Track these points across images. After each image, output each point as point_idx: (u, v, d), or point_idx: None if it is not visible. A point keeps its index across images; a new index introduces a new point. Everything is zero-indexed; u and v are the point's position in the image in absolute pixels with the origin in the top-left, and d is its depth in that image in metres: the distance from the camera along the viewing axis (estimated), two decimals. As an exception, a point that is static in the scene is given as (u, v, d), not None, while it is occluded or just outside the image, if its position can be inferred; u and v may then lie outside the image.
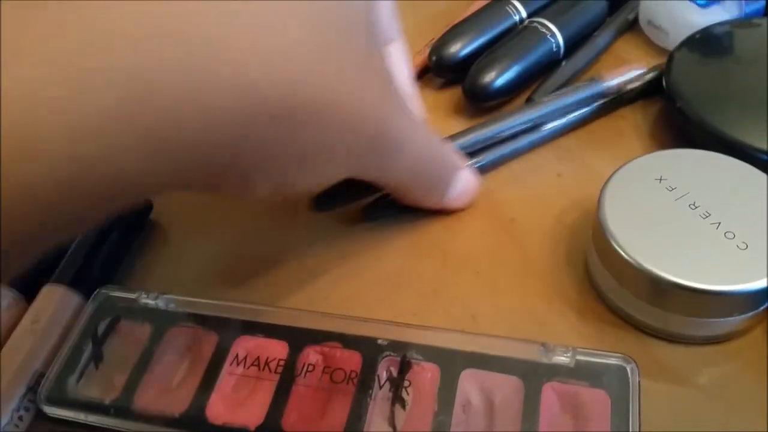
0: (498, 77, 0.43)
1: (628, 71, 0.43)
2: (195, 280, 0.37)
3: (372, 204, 0.38)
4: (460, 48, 0.46)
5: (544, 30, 0.45)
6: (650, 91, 0.43)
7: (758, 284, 0.29)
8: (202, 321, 0.33)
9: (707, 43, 0.42)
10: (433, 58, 0.46)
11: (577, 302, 0.34)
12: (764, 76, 0.39)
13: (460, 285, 0.35)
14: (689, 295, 0.29)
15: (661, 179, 0.33)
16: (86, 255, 0.36)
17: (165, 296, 0.34)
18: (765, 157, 0.35)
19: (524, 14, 0.48)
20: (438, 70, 0.47)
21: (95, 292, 0.34)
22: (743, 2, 0.44)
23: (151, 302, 0.34)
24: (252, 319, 0.32)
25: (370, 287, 0.36)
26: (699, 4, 0.44)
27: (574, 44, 0.46)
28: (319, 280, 0.36)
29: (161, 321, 0.33)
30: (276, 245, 0.38)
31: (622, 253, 0.30)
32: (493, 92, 0.43)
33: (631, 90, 0.43)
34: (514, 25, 0.47)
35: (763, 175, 0.33)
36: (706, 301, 0.29)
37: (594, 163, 0.41)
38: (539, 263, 0.36)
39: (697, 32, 0.43)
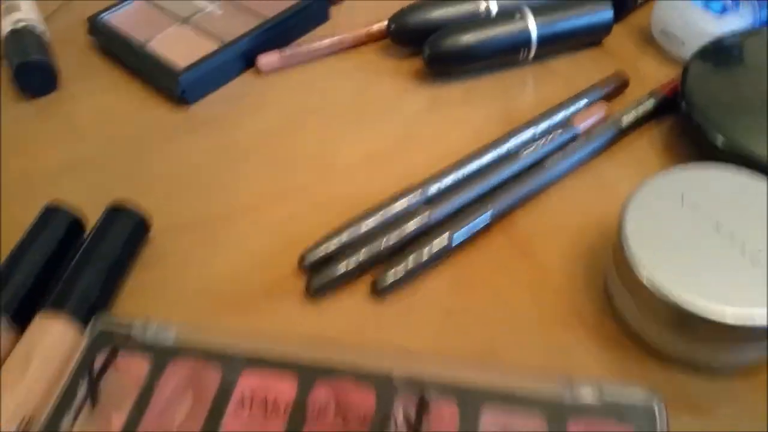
0: (460, 42, 0.44)
1: (595, 113, 0.41)
2: (197, 304, 0.35)
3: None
4: (419, 17, 0.47)
5: (518, 14, 0.45)
6: (662, 110, 0.42)
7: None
8: (205, 354, 0.31)
9: (722, 53, 0.41)
10: (392, 25, 0.47)
11: (599, 328, 0.33)
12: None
13: (477, 308, 0.34)
14: (718, 326, 0.28)
15: (683, 198, 0.32)
16: (82, 278, 0.34)
17: (165, 327, 0.32)
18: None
19: (495, 7, 0.47)
20: (395, 36, 0.48)
21: (92, 322, 0.32)
22: (759, 9, 0.42)
23: (150, 333, 0.32)
24: (257, 351, 0.31)
25: (383, 310, 0.34)
26: (714, 12, 0.42)
27: (548, 36, 0.45)
28: (328, 305, 0.35)
29: (161, 354, 0.31)
30: (280, 267, 0.37)
31: (647, 281, 0.29)
32: (453, 56, 0.45)
33: (638, 119, 0.41)
34: (478, 13, 0.47)
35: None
36: (735, 331, 0.28)
37: (612, 182, 0.39)
38: (558, 285, 0.34)
39: (711, 42, 0.41)
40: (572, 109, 0.42)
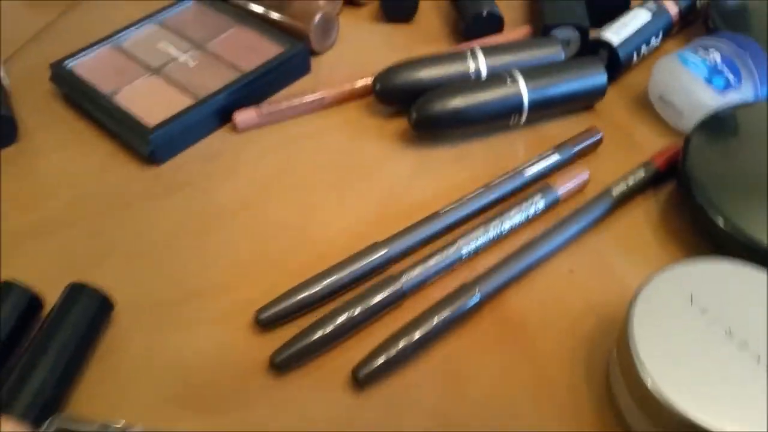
0: (448, 107, 0.42)
1: (576, 177, 0.40)
2: (161, 399, 0.32)
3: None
4: (406, 77, 0.45)
5: (510, 80, 0.43)
6: (657, 179, 0.40)
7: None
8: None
9: (724, 127, 0.39)
10: (377, 85, 0.45)
11: (600, 428, 0.31)
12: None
13: (466, 403, 0.32)
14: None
15: (692, 299, 0.30)
16: (35, 373, 0.31)
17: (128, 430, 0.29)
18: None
19: (484, 68, 0.45)
20: (381, 96, 0.46)
21: (45, 425, 0.29)
22: (760, 85, 0.41)
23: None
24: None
25: (362, 404, 0.32)
26: (716, 88, 0.41)
27: (540, 101, 0.43)
28: (301, 396, 0.32)
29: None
30: (253, 354, 0.34)
31: (653, 390, 0.27)
32: (441, 120, 0.43)
33: (631, 190, 0.39)
34: (468, 74, 0.45)
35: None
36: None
37: (607, 257, 0.37)
38: (555, 378, 0.32)
39: (713, 115, 0.40)
40: (542, 165, 0.41)
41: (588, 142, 0.43)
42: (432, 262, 0.36)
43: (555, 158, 0.41)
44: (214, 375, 0.33)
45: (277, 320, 0.35)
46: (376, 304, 0.34)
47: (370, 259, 0.36)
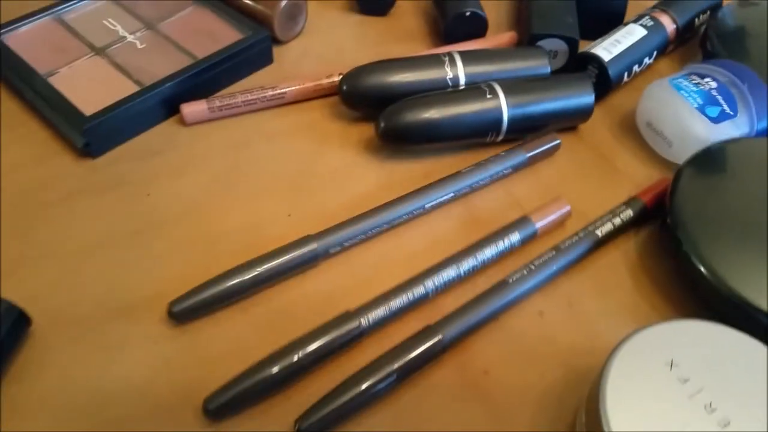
0: (419, 118, 0.38)
1: (555, 210, 0.37)
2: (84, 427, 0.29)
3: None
4: (376, 80, 0.41)
5: (489, 93, 0.39)
6: (640, 220, 0.37)
7: None
8: None
9: (718, 165, 0.36)
10: (344, 86, 0.41)
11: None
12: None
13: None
14: None
15: (671, 364, 0.27)
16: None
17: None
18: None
19: (462, 77, 0.41)
20: (347, 99, 0.42)
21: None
22: (756, 120, 0.38)
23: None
24: None
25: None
26: (710, 117, 0.37)
27: (520, 119, 0.40)
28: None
29: None
30: (181, 382, 0.30)
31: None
32: (411, 133, 0.39)
33: (615, 228, 0.36)
34: (444, 81, 0.41)
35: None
36: None
37: (581, 300, 0.34)
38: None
39: (705, 151, 0.37)
40: (491, 173, 0.38)
41: (544, 147, 0.40)
42: (395, 297, 0.32)
43: (507, 166, 0.39)
44: (137, 409, 0.29)
45: (193, 313, 0.32)
46: (330, 342, 0.31)
47: (299, 252, 0.34)
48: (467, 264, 0.34)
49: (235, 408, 0.29)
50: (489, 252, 0.35)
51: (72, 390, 0.30)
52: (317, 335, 0.31)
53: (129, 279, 0.34)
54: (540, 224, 0.36)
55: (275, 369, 0.29)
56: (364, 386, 0.29)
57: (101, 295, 0.33)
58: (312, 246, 0.34)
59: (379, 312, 0.32)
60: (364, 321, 0.31)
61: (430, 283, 0.33)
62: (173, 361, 0.31)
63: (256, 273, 0.33)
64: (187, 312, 0.32)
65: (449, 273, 0.34)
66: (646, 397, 0.26)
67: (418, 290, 0.33)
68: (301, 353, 0.30)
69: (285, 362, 0.30)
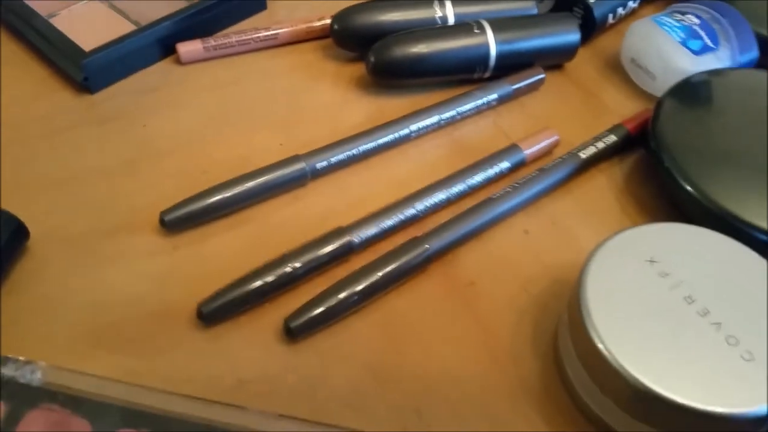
0: (409, 53, 0.39)
1: (544, 139, 0.38)
2: (76, 337, 0.29)
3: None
4: (366, 19, 0.42)
5: (477, 29, 0.40)
6: (624, 146, 0.38)
7: (762, 408, 0.24)
8: (74, 404, 0.25)
9: (698, 93, 0.37)
10: (335, 25, 0.42)
11: (545, 400, 0.28)
12: (765, 135, 0.35)
13: (404, 367, 0.29)
14: (683, 415, 0.24)
15: (652, 261, 0.28)
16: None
17: (31, 366, 0.26)
18: (765, 238, 0.31)
19: (451, 16, 0.42)
20: (338, 38, 0.42)
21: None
22: (738, 53, 0.39)
23: (11, 373, 0.26)
24: (139, 406, 0.25)
25: (294, 354, 0.29)
26: (692, 50, 0.38)
27: (507, 54, 0.41)
28: (229, 343, 0.29)
29: (21, 399, 0.25)
30: (178, 295, 0.31)
31: (608, 358, 0.25)
32: (401, 67, 0.40)
33: (598, 154, 0.37)
34: (434, 21, 0.42)
35: (769, 265, 0.28)
36: (701, 422, 0.24)
37: (565, 220, 0.35)
38: (501, 343, 0.30)
39: (687, 80, 0.38)
40: (478, 102, 0.40)
41: (529, 80, 0.41)
42: (386, 216, 0.33)
43: (492, 96, 0.40)
44: (132, 315, 0.30)
45: (183, 223, 0.33)
46: (322, 255, 0.31)
47: (287, 170, 0.35)
48: (457, 188, 0.35)
49: (227, 312, 0.30)
50: (478, 177, 0.36)
51: (67, 299, 0.31)
52: (310, 247, 0.32)
53: (123, 202, 0.35)
54: (528, 151, 0.37)
55: (268, 277, 0.30)
56: (354, 288, 0.30)
57: (96, 216, 0.34)
58: (300, 165, 0.35)
59: (370, 229, 0.33)
60: (355, 237, 0.32)
61: (421, 205, 0.34)
62: (166, 275, 0.32)
63: (246, 187, 0.34)
64: (178, 221, 0.33)
65: (439, 196, 0.35)
66: (626, 290, 0.27)
67: (409, 211, 0.34)
68: (293, 264, 0.31)
69: (278, 271, 0.30)
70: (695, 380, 0.24)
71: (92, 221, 0.34)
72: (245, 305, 0.30)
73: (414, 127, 0.38)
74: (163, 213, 0.33)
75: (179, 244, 0.33)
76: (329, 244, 0.32)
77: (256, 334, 0.30)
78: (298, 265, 0.31)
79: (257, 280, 0.30)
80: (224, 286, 0.30)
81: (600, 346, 0.25)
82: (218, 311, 0.30)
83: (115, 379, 0.26)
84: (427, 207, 0.34)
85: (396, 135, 0.37)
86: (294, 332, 0.29)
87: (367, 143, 0.36)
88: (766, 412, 0.24)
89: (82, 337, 0.29)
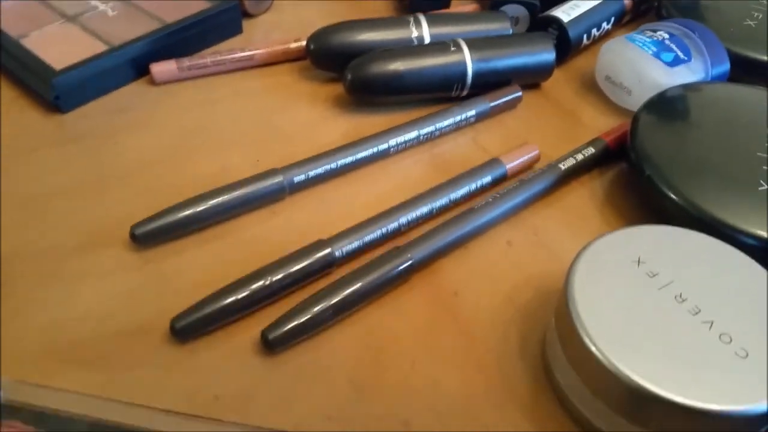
0: (386, 69, 0.39)
1: (525, 153, 0.38)
2: (41, 354, 0.27)
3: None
4: (343, 39, 0.41)
5: (454, 47, 0.40)
6: (603, 160, 0.38)
7: (762, 406, 0.23)
8: (37, 420, 0.24)
9: (673, 105, 0.37)
10: (311, 45, 0.42)
11: (534, 408, 0.27)
12: (740, 143, 0.35)
13: (390, 379, 0.28)
14: (681, 415, 0.23)
15: (639, 262, 0.27)
16: None
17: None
18: (752, 241, 0.30)
19: (427, 37, 0.43)
20: (315, 58, 0.42)
21: None
22: (710, 65, 0.39)
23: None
24: (108, 422, 0.24)
25: (272, 369, 0.28)
26: (665, 62, 0.39)
27: (484, 73, 0.41)
28: (204, 358, 0.28)
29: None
30: (148, 312, 0.29)
31: (602, 360, 0.24)
32: (378, 84, 0.39)
33: (578, 167, 0.37)
34: (410, 41, 0.43)
35: (758, 266, 0.27)
36: (698, 421, 0.23)
37: (548, 232, 0.35)
38: (487, 353, 0.29)
39: (662, 93, 0.38)
40: (456, 118, 0.39)
41: (507, 98, 0.41)
42: (369, 229, 0.32)
43: (471, 113, 0.40)
44: (103, 331, 0.29)
45: (155, 237, 0.32)
46: (301, 269, 0.30)
47: (264, 183, 0.34)
48: (440, 201, 0.34)
49: (202, 328, 0.29)
50: (461, 191, 0.35)
51: (36, 315, 0.29)
52: (289, 260, 0.30)
53: (93, 219, 0.33)
54: (510, 165, 0.37)
55: (245, 292, 0.29)
56: (334, 298, 0.29)
57: (66, 232, 0.33)
58: (277, 178, 0.34)
59: (351, 242, 0.32)
60: (337, 250, 0.31)
61: (404, 218, 0.33)
62: (137, 290, 0.30)
63: (220, 201, 0.33)
64: (149, 236, 0.31)
65: (423, 209, 0.34)
66: (615, 291, 0.26)
67: (392, 224, 0.33)
68: (272, 277, 0.30)
69: (256, 285, 0.29)
70: (692, 379, 0.23)
71: (62, 237, 0.32)
72: (221, 320, 0.29)
73: (393, 142, 0.37)
74: (134, 227, 0.31)
75: (151, 259, 0.32)
76: (309, 257, 0.31)
77: (233, 348, 0.28)
78: (276, 278, 0.30)
79: (234, 295, 0.29)
80: (198, 301, 0.29)
81: (593, 348, 0.24)
82: (192, 326, 0.28)
83: (81, 393, 0.24)
84: (410, 220, 0.33)
85: (375, 149, 0.37)
86: (272, 344, 0.28)
87: (346, 157, 0.36)
88: (766, 409, 0.23)
89: (51, 353, 0.28)
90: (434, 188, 0.35)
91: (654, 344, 0.24)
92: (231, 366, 0.28)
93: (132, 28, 0.42)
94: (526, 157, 0.37)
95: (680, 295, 0.26)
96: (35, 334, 0.28)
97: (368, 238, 0.32)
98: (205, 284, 0.29)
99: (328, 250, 0.31)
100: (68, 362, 0.27)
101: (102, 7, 0.44)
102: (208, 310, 0.28)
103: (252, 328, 0.29)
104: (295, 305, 0.29)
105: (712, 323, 0.25)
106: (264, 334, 0.28)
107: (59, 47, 0.41)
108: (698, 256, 0.28)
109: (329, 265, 0.31)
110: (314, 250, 0.31)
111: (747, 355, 0.24)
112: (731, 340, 0.25)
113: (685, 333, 0.25)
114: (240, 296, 0.29)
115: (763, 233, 0.31)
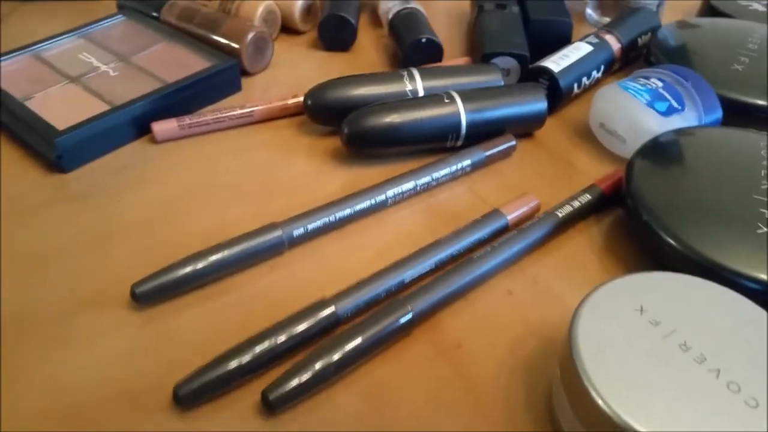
0: (382, 122, 0.40)
1: (525, 204, 0.38)
2: (39, 419, 0.27)
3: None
4: (339, 94, 0.42)
5: (447, 99, 0.41)
6: (600, 207, 0.38)
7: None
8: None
9: (668, 150, 0.38)
10: (309, 101, 0.42)
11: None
12: (736, 187, 0.35)
13: (392, 435, 0.27)
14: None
15: (641, 310, 0.27)
16: None
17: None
18: (753, 285, 0.30)
19: (421, 90, 0.44)
20: (312, 113, 0.43)
21: None
22: (702, 113, 0.40)
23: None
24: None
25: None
26: (659, 112, 0.39)
27: (478, 123, 0.41)
28: (204, 422, 0.27)
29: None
30: (150, 377, 0.29)
31: (609, 413, 0.24)
32: (375, 137, 0.40)
33: (575, 214, 0.37)
34: (404, 94, 0.43)
35: (760, 309, 0.27)
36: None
37: (548, 280, 0.35)
38: (493, 406, 0.29)
39: (656, 138, 0.38)
40: (452, 168, 0.40)
41: (501, 147, 0.41)
42: (373, 286, 0.32)
43: (466, 162, 0.40)
44: (102, 394, 0.28)
45: (156, 296, 0.32)
46: (303, 331, 0.30)
47: (263, 238, 0.34)
48: (444, 254, 0.34)
49: (205, 394, 0.28)
50: (465, 243, 0.35)
51: (35, 379, 0.29)
52: (292, 321, 0.30)
53: (94, 278, 0.33)
54: (511, 216, 0.37)
55: (249, 356, 0.29)
56: (334, 355, 0.28)
57: (66, 292, 0.33)
58: (277, 233, 0.34)
59: (355, 301, 0.31)
60: (340, 311, 0.31)
61: (409, 274, 0.33)
62: (138, 351, 0.30)
63: (220, 257, 0.33)
64: (150, 294, 0.31)
65: (428, 263, 0.34)
66: (619, 341, 0.26)
67: (396, 281, 0.33)
68: (274, 340, 0.29)
69: (259, 349, 0.29)
70: (703, 430, 0.23)
71: (63, 297, 0.32)
72: (225, 386, 0.28)
73: (390, 193, 0.37)
74: (135, 285, 0.31)
75: (152, 317, 0.32)
76: (313, 318, 0.30)
77: (233, 410, 0.28)
78: (280, 341, 0.29)
79: (237, 359, 0.28)
80: (202, 366, 0.28)
81: (599, 402, 0.24)
82: (195, 393, 0.28)
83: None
84: (414, 276, 0.33)
85: (373, 201, 0.37)
86: (273, 405, 0.27)
87: (344, 210, 0.36)
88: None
89: (51, 415, 0.27)
90: (437, 242, 0.35)
91: (662, 396, 0.24)
92: (232, 429, 0.27)
93: (133, 88, 0.43)
94: (526, 208, 0.38)
95: (684, 344, 0.26)
96: (35, 395, 0.28)
97: (372, 295, 0.32)
98: (207, 342, 0.29)
99: (331, 310, 0.31)
100: (68, 425, 0.27)
101: (104, 68, 0.45)
102: (211, 375, 0.28)
103: (254, 388, 0.29)
104: (296, 363, 0.28)
105: (719, 372, 0.25)
106: (265, 395, 0.27)
107: (62, 107, 0.41)
108: (699, 301, 0.28)
109: (333, 326, 0.31)
110: (317, 310, 0.30)
111: (757, 404, 0.24)
112: (739, 389, 0.24)
113: (692, 383, 0.24)
114: (244, 361, 0.28)
115: (763, 276, 0.31)
